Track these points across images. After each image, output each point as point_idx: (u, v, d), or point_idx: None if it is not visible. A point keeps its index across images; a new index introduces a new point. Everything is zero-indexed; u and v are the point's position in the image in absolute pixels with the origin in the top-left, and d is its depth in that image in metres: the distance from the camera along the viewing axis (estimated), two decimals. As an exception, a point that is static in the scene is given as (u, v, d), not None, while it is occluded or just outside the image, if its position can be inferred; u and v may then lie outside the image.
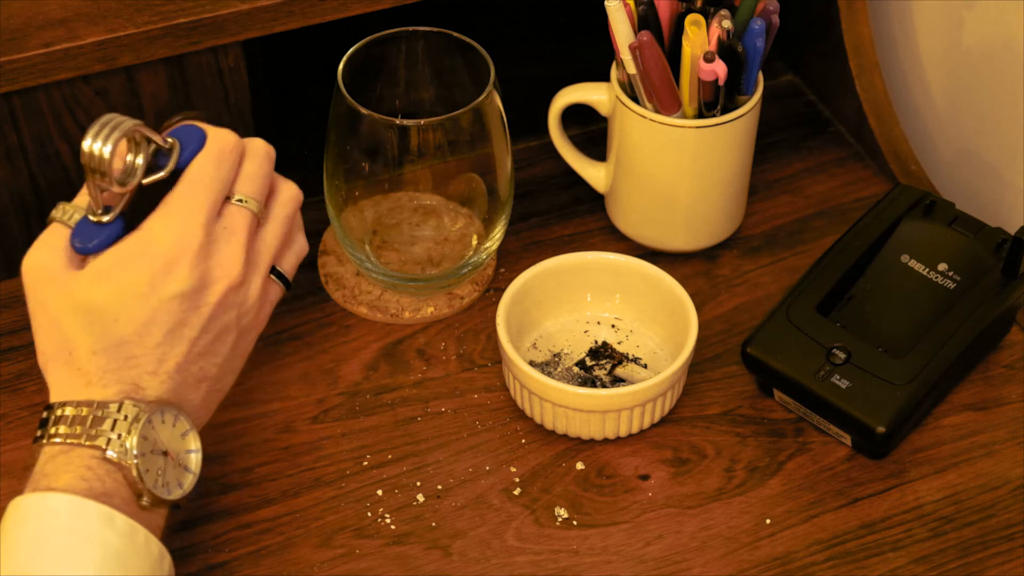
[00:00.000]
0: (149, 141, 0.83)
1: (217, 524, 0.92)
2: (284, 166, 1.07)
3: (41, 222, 1.04)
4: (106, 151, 0.80)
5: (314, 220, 1.09)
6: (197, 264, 0.82)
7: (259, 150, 0.87)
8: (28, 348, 1.00)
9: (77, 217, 0.83)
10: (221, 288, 0.83)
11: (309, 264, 1.06)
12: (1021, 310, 1.02)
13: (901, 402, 0.92)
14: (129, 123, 0.81)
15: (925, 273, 0.99)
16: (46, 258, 0.83)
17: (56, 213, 0.83)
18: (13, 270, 1.05)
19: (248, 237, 0.85)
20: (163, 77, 1.01)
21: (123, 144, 0.82)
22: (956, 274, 0.99)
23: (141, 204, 0.83)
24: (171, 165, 0.84)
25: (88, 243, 0.82)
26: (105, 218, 0.82)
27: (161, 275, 0.81)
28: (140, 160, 0.83)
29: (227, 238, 0.84)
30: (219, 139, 0.85)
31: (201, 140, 0.85)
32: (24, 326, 1.01)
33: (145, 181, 0.83)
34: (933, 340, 0.95)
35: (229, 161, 0.85)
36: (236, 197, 0.85)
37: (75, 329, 0.81)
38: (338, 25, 1.04)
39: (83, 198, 0.84)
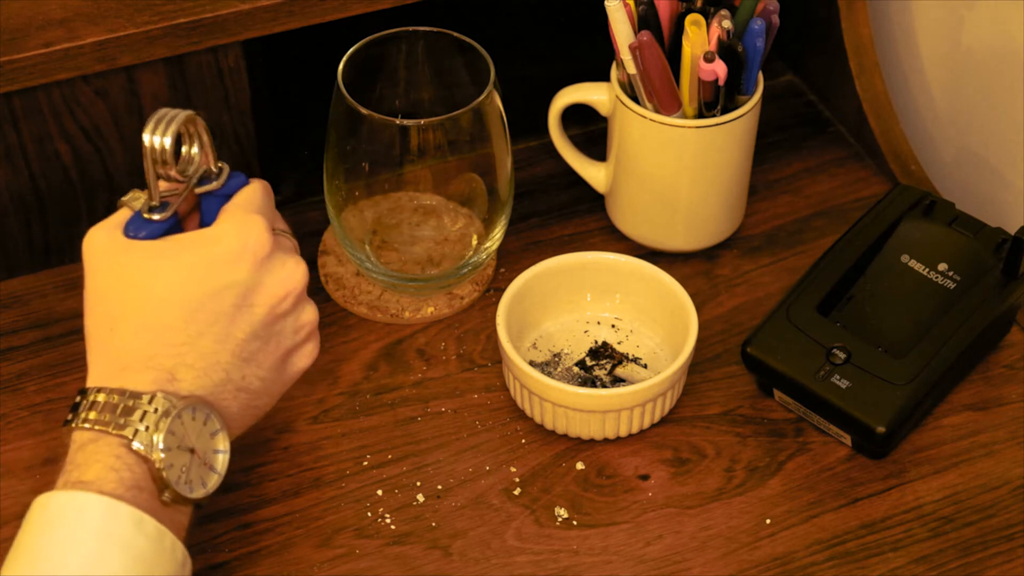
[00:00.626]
0: (200, 139, 0.85)
1: (217, 524, 0.92)
2: (284, 166, 1.08)
3: (41, 222, 1.05)
4: (167, 142, 0.82)
5: (314, 220, 1.09)
6: (260, 263, 0.82)
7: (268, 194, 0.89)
8: (28, 348, 1.00)
9: (144, 200, 0.84)
10: (279, 294, 0.83)
11: (309, 264, 1.06)
12: (1021, 310, 1.02)
13: (901, 402, 0.92)
14: (184, 114, 0.83)
15: (925, 273, 0.99)
16: (108, 231, 0.83)
17: (126, 198, 0.84)
18: (13, 270, 1.05)
19: (299, 259, 0.86)
20: (163, 77, 1.01)
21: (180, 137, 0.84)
22: (956, 274, 0.99)
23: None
24: (221, 181, 0.86)
25: (138, 234, 0.83)
26: (156, 216, 0.83)
27: (222, 265, 0.81)
28: (196, 150, 0.85)
29: (287, 251, 0.85)
30: (264, 183, 0.87)
31: (244, 183, 0.87)
32: (24, 326, 1.01)
33: (198, 190, 0.85)
34: (933, 340, 0.95)
35: (273, 198, 0.87)
36: (279, 228, 0.86)
37: (122, 304, 0.81)
38: (338, 25, 1.04)
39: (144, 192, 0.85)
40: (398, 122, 0.95)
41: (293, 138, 1.15)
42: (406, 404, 0.98)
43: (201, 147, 0.85)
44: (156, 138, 0.82)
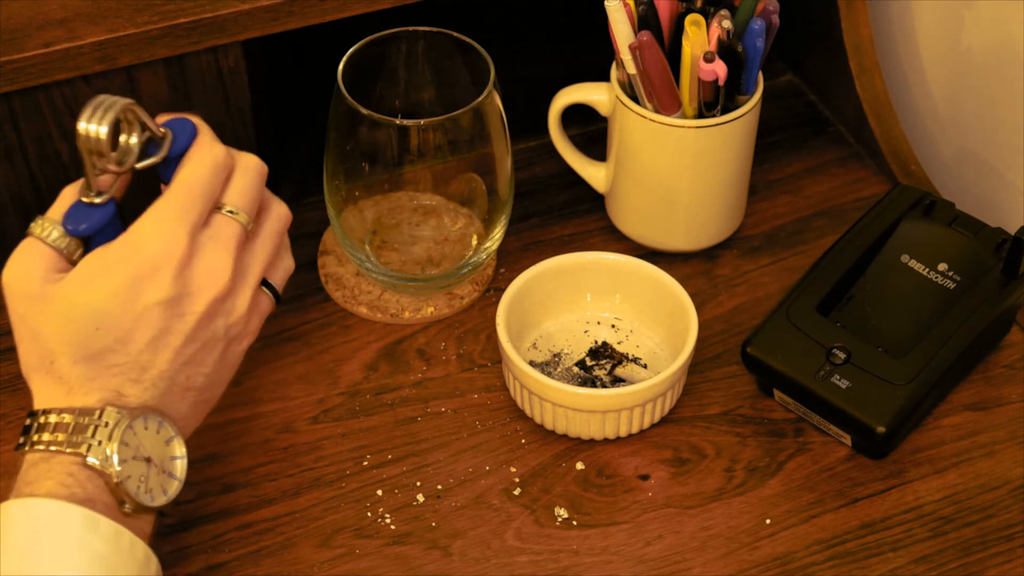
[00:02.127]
0: (143, 126, 0.83)
1: (217, 524, 0.92)
2: (284, 166, 1.07)
3: (41, 222, 1.05)
4: (103, 131, 0.80)
5: (314, 220, 1.09)
6: (180, 272, 0.82)
7: (251, 165, 0.87)
8: (28, 348, 1.00)
9: (55, 232, 0.82)
10: (207, 298, 0.83)
11: (309, 264, 1.06)
12: (1021, 310, 1.02)
13: (901, 402, 0.92)
14: (122, 102, 0.81)
15: (925, 273, 0.99)
16: (24, 271, 0.82)
17: (34, 228, 0.83)
18: (13, 270, 1.05)
19: (236, 248, 0.84)
20: (163, 77, 1.01)
21: (118, 124, 0.82)
22: (956, 274, 0.99)
23: (128, 196, 0.84)
24: (164, 151, 0.84)
25: (79, 225, 0.82)
26: (98, 200, 0.82)
27: (144, 281, 0.81)
28: (134, 140, 0.83)
29: (214, 247, 0.83)
30: (213, 151, 0.85)
31: (192, 132, 0.85)
32: (24, 326, 1.01)
33: (139, 165, 0.83)
34: (933, 340, 0.95)
35: (221, 174, 0.85)
36: (227, 208, 0.84)
37: (56, 339, 0.81)
38: (338, 25, 1.04)
39: (57, 211, 0.84)
40: (398, 122, 0.95)
41: (293, 138, 1.15)
42: (406, 404, 0.98)
43: (141, 133, 0.83)
44: (92, 126, 0.80)
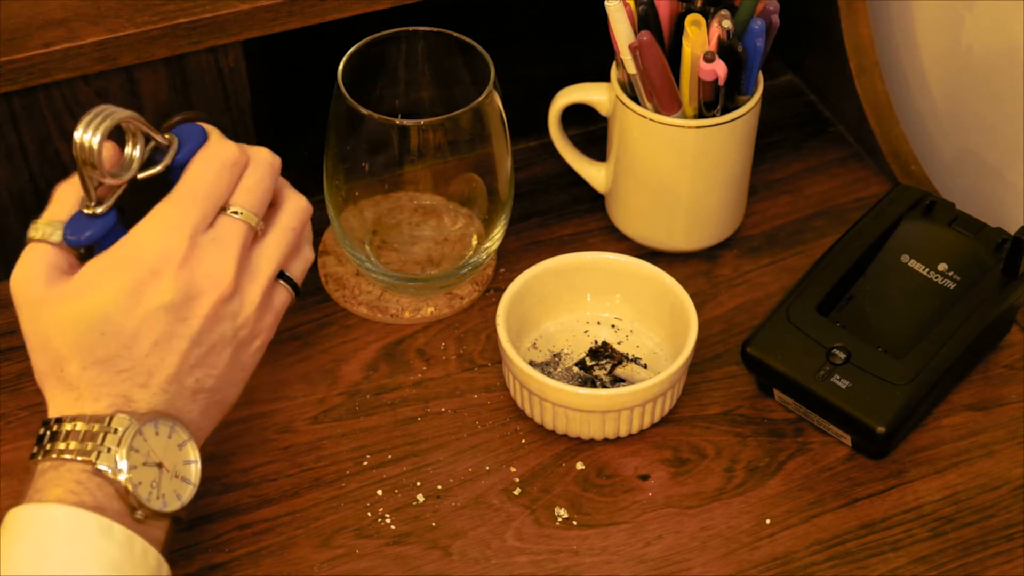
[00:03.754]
0: (147, 137, 0.83)
1: (217, 524, 0.92)
2: (284, 166, 1.07)
3: (41, 222, 1.04)
4: (95, 141, 0.79)
5: (314, 220, 1.08)
6: (180, 275, 0.81)
7: (262, 161, 0.86)
8: (28, 348, 1.00)
9: (54, 235, 0.82)
10: (209, 300, 0.82)
11: (309, 264, 1.06)
12: (1021, 310, 1.02)
13: (901, 402, 0.92)
14: (121, 114, 0.80)
15: (925, 273, 0.99)
16: (28, 276, 0.82)
17: (33, 232, 0.83)
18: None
19: (241, 249, 0.83)
20: (163, 77, 1.01)
21: (123, 136, 0.82)
22: (956, 274, 0.99)
23: (139, 200, 0.83)
24: (167, 161, 0.84)
25: (80, 235, 0.82)
26: (99, 210, 0.82)
27: (144, 285, 0.81)
28: (137, 153, 0.83)
29: (216, 249, 0.83)
30: (222, 151, 0.84)
31: (201, 139, 0.84)
32: (24, 326, 1.01)
33: (140, 175, 0.83)
34: (933, 340, 0.95)
35: (229, 174, 0.84)
36: (232, 209, 0.84)
37: (64, 345, 0.81)
38: (338, 25, 1.04)
39: (55, 213, 0.84)
40: (398, 122, 0.95)
41: (293, 138, 1.15)
42: (406, 404, 0.98)
43: (145, 144, 0.83)
44: (87, 135, 0.79)
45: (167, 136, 0.84)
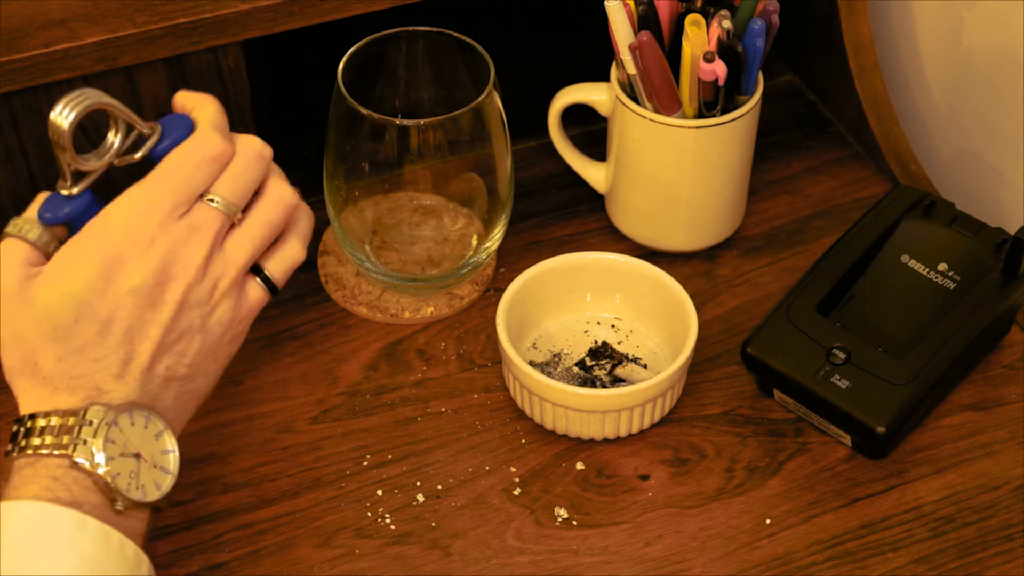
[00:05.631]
0: (130, 126, 0.83)
1: (217, 524, 0.92)
2: (284, 166, 1.07)
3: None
4: (65, 123, 0.80)
5: (314, 220, 1.09)
6: (147, 258, 0.81)
7: (250, 150, 0.85)
8: (28, 348, 1.00)
9: (31, 232, 0.83)
10: (179, 286, 0.82)
11: (309, 264, 1.06)
12: (1021, 310, 1.02)
13: (901, 402, 0.92)
14: (97, 99, 0.80)
15: (925, 273, 0.99)
16: (3, 271, 0.82)
17: (10, 228, 0.83)
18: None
19: (214, 237, 0.83)
20: (163, 77, 1.01)
21: (105, 121, 0.82)
22: (956, 274, 0.99)
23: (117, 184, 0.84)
24: (144, 150, 0.84)
25: (58, 213, 0.82)
26: (75, 190, 0.82)
27: (113, 267, 0.81)
28: (117, 141, 0.83)
29: (187, 236, 0.82)
30: (205, 143, 0.84)
31: (187, 131, 0.84)
32: (24, 326, 1.01)
33: (117, 161, 0.83)
34: (933, 340, 0.95)
35: (208, 167, 0.84)
36: (209, 196, 0.84)
37: (38, 338, 0.81)
38: (338, 25, 1.04)
39: (33, 211, 0.84)
40: (398, 122, 0.95)
41: (293, 138, 1.15)
42: (406, 404, 0.98)
43: (127, 131, 0.83)
44: (59, 117, 0.80)
45: (151, 125, 0.84)
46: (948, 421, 0.98)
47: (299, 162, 1.13)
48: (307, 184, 1.11)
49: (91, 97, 0.80)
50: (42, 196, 0.84)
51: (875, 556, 0.90)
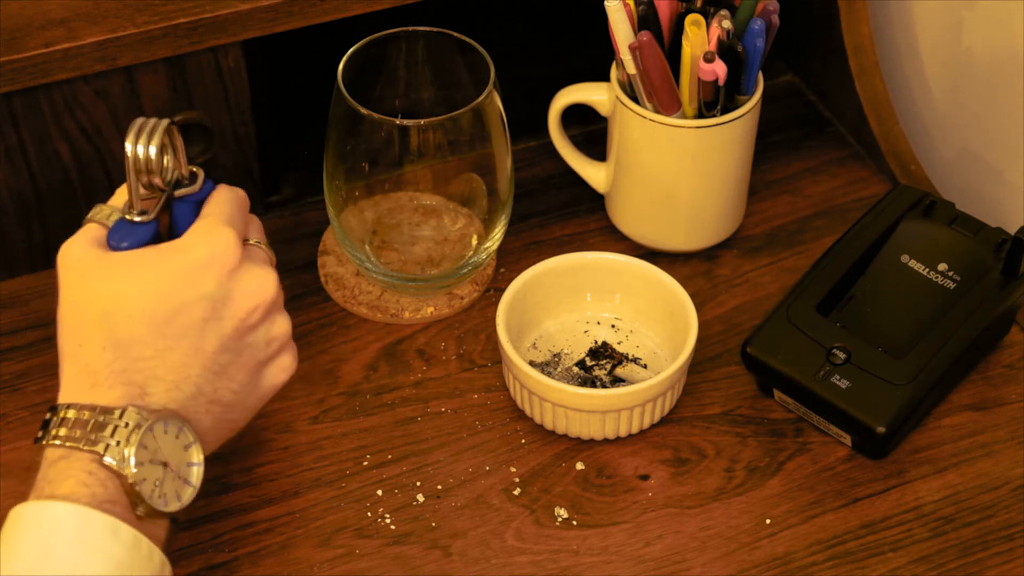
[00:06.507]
0: (174, 150, 0.85)
1: (217, 524, 0.92)
2: (284, 166, 1.08)
3: (41, 222, 1.05)
4: (152, 151, 0.83)
5: (314, 220, 1.09)
6: (229, 276, 0.82)
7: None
8: (28, 348, 1.00)
9: (114, 216, 0.84)
10: (248, 305, 0.83)
11: (309, 264, 1.06)
12: (1021, 310, 1.02)
13: (901, 402, 0.92)
14: (164, 122, 0.84)
15: (925, 273, 0.99)
16: (79, 249, 0.82)
17: (94, 213, 0.84)
18: (13, 270, 1.05)
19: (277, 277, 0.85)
20: (163, 77, 1.01)
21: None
22: (956, 274, 0.99)
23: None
24: (199, 183, 0.86)
25: (121, 243, 0.83)
26: (139, 218, 0.83)
27: (189, 277, 0.81)
28: (170, 162, 0.85)
29: (259, 262, 0.84)
30: (238, 190, 0.87)
31: (213, 186, 0.87)
32: (24, 326, 1.01)
33: (177, 193, 0.85)
34: (933, 340, 0.95)
35: (245, 209, 0.87)
36: (254, 240, 0.86)
37: (90, 320, 0.81)
38: (338, 25, 1.04)
39: (118, 199, 0.85)
40: (398, 122, 0.95)
41: (293, 138, 1.15)
42: (406, 404, 0.98)
43: (175, 154, 0.85)
44: (140, 148, 0.82)
45: (192, 168, 0.87)
46: (948, 421, 0.98)
47: (299, 162, 1.13)
48: (307, 184, 1.11)
49: (162, 121, 0.84)
50: (123, 188, 0.85)
51: (875, 556, 0.90)
